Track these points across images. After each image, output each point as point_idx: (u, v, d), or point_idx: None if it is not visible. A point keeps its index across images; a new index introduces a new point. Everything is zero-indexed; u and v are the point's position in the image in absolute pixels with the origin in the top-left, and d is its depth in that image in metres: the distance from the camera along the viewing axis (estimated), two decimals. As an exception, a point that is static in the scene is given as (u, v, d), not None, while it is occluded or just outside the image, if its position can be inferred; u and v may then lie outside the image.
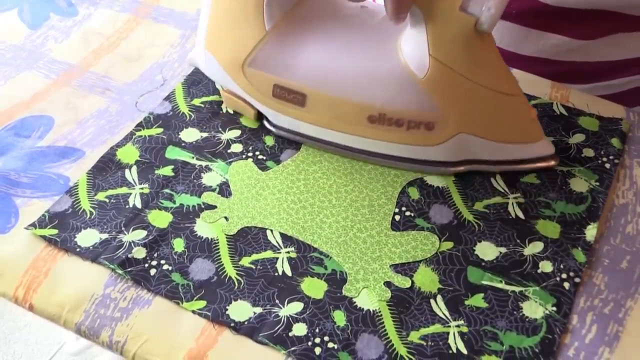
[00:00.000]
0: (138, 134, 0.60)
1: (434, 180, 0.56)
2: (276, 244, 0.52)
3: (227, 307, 0.48)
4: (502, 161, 0.56)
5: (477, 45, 0.50)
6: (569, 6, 0.63)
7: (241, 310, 0.48)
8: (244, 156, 0.58)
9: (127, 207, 0.54)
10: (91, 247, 0.51)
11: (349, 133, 0.55)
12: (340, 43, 0.54)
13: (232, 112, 0.62)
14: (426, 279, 0.50)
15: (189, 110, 0.62)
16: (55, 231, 0.52)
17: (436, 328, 0.47)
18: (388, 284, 0.49)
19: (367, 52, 0.54)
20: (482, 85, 0.51)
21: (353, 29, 0.55)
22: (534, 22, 0.66)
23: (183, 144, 0.59)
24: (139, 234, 0.52)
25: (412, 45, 0.51)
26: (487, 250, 0.51)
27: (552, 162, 0.56)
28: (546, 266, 0.50)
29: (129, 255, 0.50)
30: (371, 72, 0.53)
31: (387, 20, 0.50)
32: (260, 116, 0.60)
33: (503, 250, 0.51)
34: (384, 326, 0.47)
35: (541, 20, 0.66)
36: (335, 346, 0.46)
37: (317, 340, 0.46)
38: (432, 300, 0.48)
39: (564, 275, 0.50)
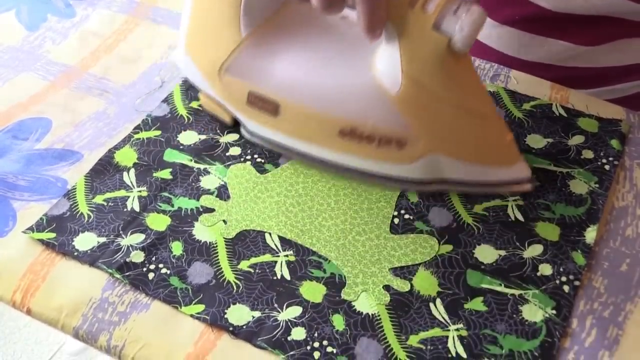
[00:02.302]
0: (136, 136, 0.59)
1: (433, 183, 0.56)
2: (275, 248, 0.51)
3: (225, 311, 0.48)
4: (475, 183, 0.54)
5: (451, 64, 0.48)
6: (573, 12, 0.63)
7: (240, 314, 0.48)
8: (242, 159, 0.58)
9: (125, 210, 0.54)
10: (89, 251, 0.51)
11: (321, 145, 0.54)
12: (316, 54, 0.53)
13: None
14: (425, 283, 0.49)
15: (187, 113, 0.62)
16: (53, 235, 0.52)
17: (435, 332, 0.47)
18: (387, 288, 0.49)
19: (342, 65, 0.52)
20: (454, 105, 0.50)
21: (331, 40, 0.54)
22: (537, 28, 0.66)
23: (181, 147, 0.59)
24: (137, 238, 0.52)
25: (386, 61, 0.50)
26: (486, 253, 0.51)
27: (527, 187, 0.54)
28: (546, 269, 0.50)
29: (127, 260, 0.50)
30: (344, 86, 0.52)
31: None
32: (236, 121, 0.59)
33: (502, 253, 0.51)
34: (383, 330, 0.47)
35: (544, 26, 0.65)
36: (334, 350, 0.46)
37: (316, 344, 0.46)
38: (431, 304, 0.48)
39: (563, 278, 0.50)
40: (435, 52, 0.47)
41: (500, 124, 0.53)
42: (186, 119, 0.61)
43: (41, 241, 0.52)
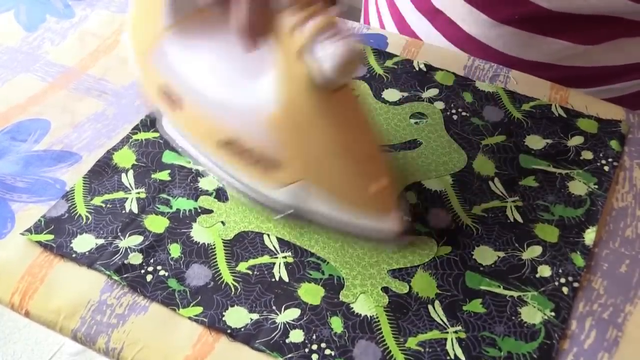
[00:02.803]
0: (135, 137, 0.59)
1: (432, 184, 0.56)
2: (273, 249, 0.51)
3: (223, 314, 0.48)
4: (339, 223, 0.50)
5: (324, 95, 0.45)
6: (572, 11, 0.63)
7: (238, 316, 0.47)
8: (240, 160, 0.57)
9: (123, 212, 0.54)
10: (87, 253, 0.51)
11: (205, 151, 0.53)
12: (225, 58, 0.51)
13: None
14: (424, 284, 0.49)
15: (185, 114, 0.61)
16: (51, 237, 0.52)
17: (434, 334, 0.47)
18: (385, 290, 0.49)
19: (242, 75, 0.50)
20: (326, 138, 0.46)
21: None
22: (536, 27, 0.66)
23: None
24: (135, 240, 0.52)
25: (270, 80, 0.47)
26: (485, 255, 0.51)
27: (391, 243, 0.51)
28: (545, 271, 0.50)
29: (125, 262, 0.50)
30: (230, 97, 0.50)
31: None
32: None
33: (501, 254, 0.51)
34: (381, 332, 0.47)
35: (543, 26, 0.65)
36: (333, 353, 0.46)
37: (314, 346, 0.46)
38: (429, 306, 0.48)
39: (562, 280, 0.49)
40: (301, 79, 0.44)
41: (378, 168, 0.48)
42: (185, 120, 0.61)
43: (39, 243, 0.51)
